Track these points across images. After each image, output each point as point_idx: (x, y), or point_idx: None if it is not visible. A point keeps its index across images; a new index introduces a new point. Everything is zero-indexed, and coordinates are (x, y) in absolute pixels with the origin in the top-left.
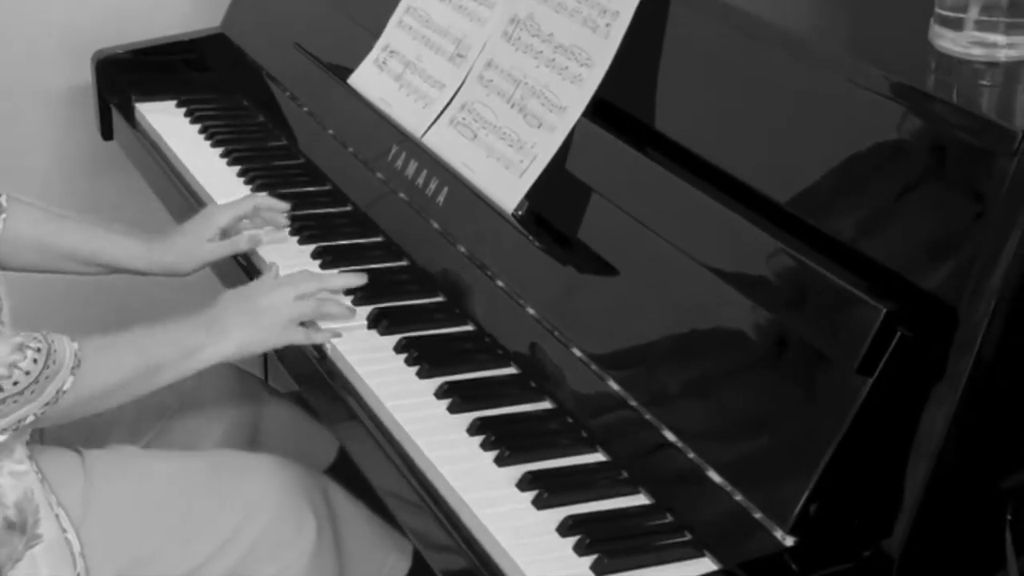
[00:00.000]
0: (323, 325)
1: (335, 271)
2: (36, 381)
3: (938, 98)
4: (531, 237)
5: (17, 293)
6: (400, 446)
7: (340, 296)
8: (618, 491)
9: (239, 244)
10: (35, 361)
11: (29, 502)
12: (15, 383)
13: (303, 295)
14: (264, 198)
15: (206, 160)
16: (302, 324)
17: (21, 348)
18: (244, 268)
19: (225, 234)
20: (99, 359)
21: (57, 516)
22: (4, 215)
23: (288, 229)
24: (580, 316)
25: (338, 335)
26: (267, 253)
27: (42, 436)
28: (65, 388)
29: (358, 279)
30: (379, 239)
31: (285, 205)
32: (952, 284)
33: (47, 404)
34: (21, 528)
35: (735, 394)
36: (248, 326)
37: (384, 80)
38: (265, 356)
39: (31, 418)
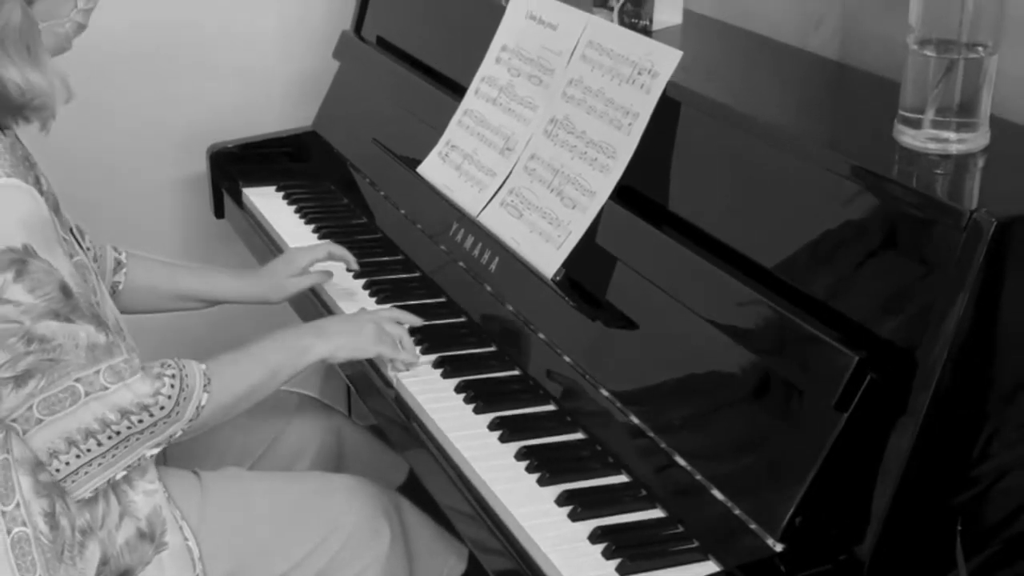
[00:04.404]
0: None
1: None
2: (177, 403)
3: (901, 184)
4: (567, 298)
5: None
6: (459, 469)
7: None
8: (638, 506)
9: (315, 278)
10: (172, 386)
11: (157, 516)
12: (161, 408)
13: (395, 320)
14: (335, 246)
15: (300, 235)
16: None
17: (159, 376)
18: (317, 301)
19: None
20: (226, 374)
21: (181, 528)
22: (125, 269)
23: (363, 285)
24: (607, 363)
25: (414, 362)
26: (349, 310)
27: (166, 459)
28: (203, 404)
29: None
30: (442, 299)
31: (352, 258)
32: (912, 335)
33: (191, 420)
34: (150, 537)
35: (734, 426)
36: (350, 333)
37: (446, 169)
38: (349, 395)
39: (179, 433)
